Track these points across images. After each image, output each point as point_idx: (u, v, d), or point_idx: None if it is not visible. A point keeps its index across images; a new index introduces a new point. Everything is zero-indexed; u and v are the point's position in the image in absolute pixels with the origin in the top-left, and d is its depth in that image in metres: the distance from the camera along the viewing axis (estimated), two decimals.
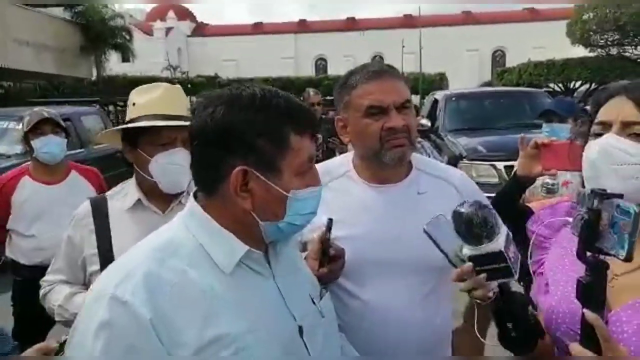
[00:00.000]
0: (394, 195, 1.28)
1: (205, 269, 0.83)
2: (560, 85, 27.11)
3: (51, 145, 2.47)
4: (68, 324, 1.48)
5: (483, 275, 0.90)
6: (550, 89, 23.20)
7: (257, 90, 0.84)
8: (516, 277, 0.90)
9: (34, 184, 2.52)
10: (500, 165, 5.31)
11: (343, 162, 1.36)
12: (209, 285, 0.81)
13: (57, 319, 1.54)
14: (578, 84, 26.80)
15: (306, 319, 0.91)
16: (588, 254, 0.82)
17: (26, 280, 2.47)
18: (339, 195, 1.27)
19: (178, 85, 1.55)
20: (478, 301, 0.95)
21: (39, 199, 2.50)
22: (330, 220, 1.11)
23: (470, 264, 0.90)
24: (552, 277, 0.97)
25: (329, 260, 1.11)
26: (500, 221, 0.90)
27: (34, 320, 2.25)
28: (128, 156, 1.49)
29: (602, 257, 0.82)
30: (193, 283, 0.80)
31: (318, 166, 1.43)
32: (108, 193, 1.55)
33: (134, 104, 1.48)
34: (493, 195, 1.63)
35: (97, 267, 1.42)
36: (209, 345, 0.77)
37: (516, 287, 1.05)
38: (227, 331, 0.79)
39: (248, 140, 0.81)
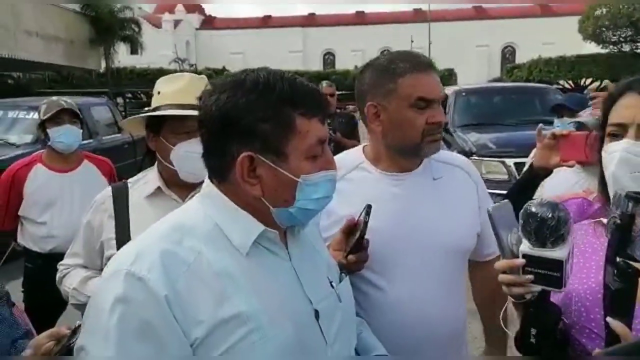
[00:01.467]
0: (412, 183, 1.27)
1: (221, 249, 0.83)
2: (571, 82, 26.87)
3: (68, 135, 2.48)
4: (81, 308, 1.50)
5: (530, 276, 0.87)
6: (561, 86, 23.00)
7: (261, 75, 0.83)
8: (563, 290, 0.87)
9: (47, 172, 2.53)
10: (510, 161, 5.26)
11: (354, 154, 1.35)
12: (224, 264, 0.81)
13: (71, 302, 1.56)
14: (589, 81, 26.53)
15: (323, 302, 0.90)
16: (618, 259, 0.79)
17: (37, 268, 2.49)
18: (355, 187, 1.26)
19: (203, 76, 1.56)
20: (513, 299, 0.93)
21: (51, 187, 2.51)
22: (370, 206, 1.09)
23: (523, 260, 0.86)
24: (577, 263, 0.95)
25: (358, 249, 1.09)
26: (570, 228, 0.86)
27: (45, 307, 2.28)
28: (150, 144, 1.51)
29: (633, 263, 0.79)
30: (209, 262, 0.80)
31: None
32: (130, 180, 1.56)
33: (159, 93, 1.49)
34: (503, 192, 1.61)
35: (114, 251, 1.43)
36: (223, 324, 0.77)
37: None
38: (241, 310, 0.79)
39: (252, 125, 0.81)
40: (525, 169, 1.68)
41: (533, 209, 0.85)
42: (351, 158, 1.33)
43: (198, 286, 0.78)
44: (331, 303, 0.92)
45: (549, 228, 0.83)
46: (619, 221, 0.79)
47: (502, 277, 0.90)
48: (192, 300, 0.76)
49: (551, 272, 0.84)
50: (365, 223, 1.07)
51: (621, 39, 25.68)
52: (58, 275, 1.61)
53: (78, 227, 1.61)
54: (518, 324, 0.97)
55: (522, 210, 0.88)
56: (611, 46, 26.30)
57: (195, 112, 1.39)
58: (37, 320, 2.08)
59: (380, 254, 1.18)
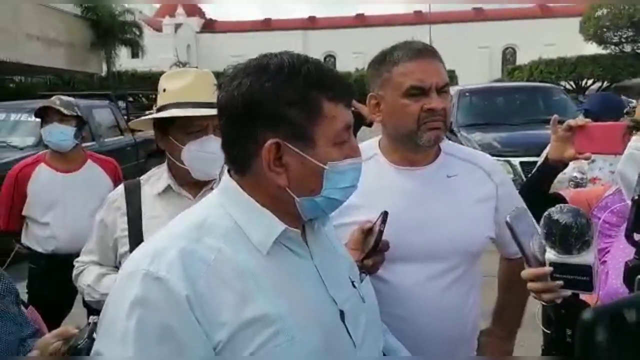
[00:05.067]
0: (423, 178, 1.24)
1: (242, 248, 0.79)
2: (572, 83, 26.85)
3: (55, 134, 2.43)
4: (96, 304, 1.51)
5: (559, 282, 0.87)
6: (562, 87, 22.98)
7: (285, 58, 0.79)
8: (594, 292, 0.88)
9: (50, 172, 2.51)
10: (516, 161, 5.24)
11: (370, 145, 1.33)
12: (246, 264, 0.77)
13: (86, 299, 1.56)
14: (590, 82, 26.51)
15: (347, 303, 0.86)
16: (637, 236, 0.78)
17: (40, 268, 2.47)
18: (366, 179, 1.24)
19: (208, 70, 1.53)
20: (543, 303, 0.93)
21: (54, 187, 2.48)
22: (386, 213, 1.07)
23: (550, 269, 0.87)
24: (613, 266, 0.93)
25: (376, 253, 1.08)
26: (594, 232, 0.87)
27: (49, 308, 2.24)
28: (160, 144, 1.49)
29: None
30: (230, 262, 0.76)
31: None
32: (142, 177, 1.55)
33: (164, 90, 1.46)
34: None
35: (127, 248, 1.43)
36: (248, 326, 0.74)
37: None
38: (266, 312, 0.75)
39: (278, 111, 0.77)
40: (539, 162, 1.64)
41: (555, 217, 0.85)
42: (366, 149, 1.30)
43: (220, 286, 0.74)
44: (355, 303, 0.89)
45: (574, 235, 0.84)
46: (637, 197, 0.77)
47: (531, 285, 0.90)
48: (214, 301, 0.73)
49: (580, 277, 0.85)
50: (381, 231, 1.06)
51: (622, 39, 25.69)
52: (74, 272, 1.61)
53: (80, 227, 1.60)
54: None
55: (544, 219, 0.87)
56: (612, 47, 26.30)
57: (205, 111, 1.38)
58: (42, 320, 2.04)
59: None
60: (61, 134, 2.44)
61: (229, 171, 0.85)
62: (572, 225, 0.83)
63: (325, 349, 0.79)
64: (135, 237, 1.39)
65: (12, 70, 17.16)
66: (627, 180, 0.91)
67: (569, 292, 0.88)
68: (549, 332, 0.96)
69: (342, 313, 0.84)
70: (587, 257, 0.84)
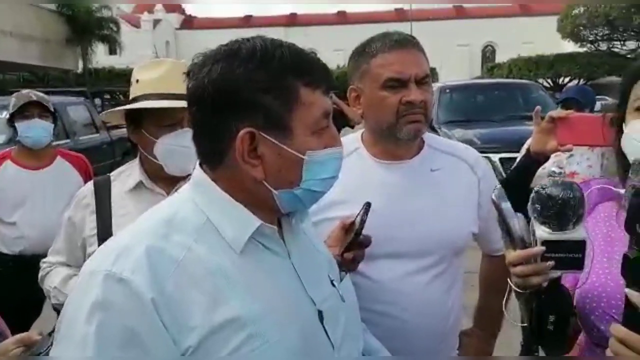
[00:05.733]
0: (406, 172, 1.22)
1: (214, 246, 0.73)
2: (550, 80, 27.33)
3: (36, 129, 2.35)
4: (62, 308, 1.43)
5: (551, 262, 0.82)
6: (540, 84, 23.37)
7: (258, 42, 0.74)
8: (582, 271, 0.84)
9: (17, 169, 2.40)
10: (495, 157, 5.27)
11: (353, 139, 1.29)
12: (217, 263, 0.72)
13: (52, 302, 1.49)
14: (567, 79, 27.04)
15: (326, 303, 0.82)
16: (638, 227, 0.74)
17: (7, 270, 2.37)
18: (348, 173, 1.21)
19: (184, 61, 1.46)
20: (519, 290, 0.88)
21: (22, 185, 2.38)
22: (369, 204, 1.04)
23: (543, 248, 0.82)
24: (588, 255, 0.90)
25: (357, 246, 1.04)
26: (586, 206, 0.83)
27: (17, 312, 2.14)
28: (132, 137, 1.42)
29: None
30: (200, 260, 0.71)
31: None
32: (112, 173, 1.49)
33: (137, 81, 1.40)
34: None
35: (96, 247, 1.36)
36: (219, 330, 0.68)
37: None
38: (239, 314, 0.70)
39: (251, 98, 0.71)
40: (520, 154, 1.63)
41: (551, 192, 0.81)
42: (348, 142, 1.27)
43: (189, 287, 0.68)
44: (334, 303, 0.84)
45: (572, 209, 0.80)
46: (638, 186, 0.76)
47: (519, 269, 0.85)
48: (183, 303, 0.67)
49: (572, 254, 0.82)
50: (363, 221, 1.02)
51: (598, 37, 26.21)
52: (40, 273, 1.54)
53: (50, 226, 1.53)
54: (519, 315, 0.93)
55: (536, 195, 0.84)
56: (589, 45, 26.82)
57: (178, 103, 1.32)
58: (9, 324, 1.96)
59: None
60: (42, 130, 2.36)
61: (200, 164, 0.80)
62: (569, 197, 0.81)
63: (303, 351, 0.74)
64: (105, 236, 1.32)
65: None
66: (623, 161, 0.88)
67: (558, 273, 0.85)
68: (526, 324, 0.92)
69: (320, 313, 0.80)
70: (582, 232, 0.82)
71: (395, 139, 1.18)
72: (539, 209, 0.82)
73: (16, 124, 2.33)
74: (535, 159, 1.45)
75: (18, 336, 1.00)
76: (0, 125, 5.28)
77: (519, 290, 0.89)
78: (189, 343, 0.67)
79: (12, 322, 2.21)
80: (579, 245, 0.82)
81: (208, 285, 0.70)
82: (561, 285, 0.89)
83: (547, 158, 1.47)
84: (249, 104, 0.72)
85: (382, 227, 1.13)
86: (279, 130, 0.73)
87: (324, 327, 0.79)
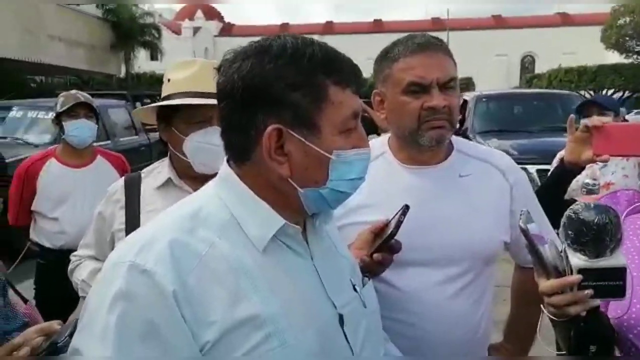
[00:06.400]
0: (433, 177, 1.19)
1: (237, 243, 0.74)
2: (592, 92, 26.40)
3: (83, 129, 2.45)
4: None
5: (590, 291, 0.78)
6: (580, 95, 22.64)
7: (289, 40, 0.74)
8: (625, 298, 0.80)
9: (60, 167, 2.50)
10: (533, 168, 5.12)
11: (380, 143, 1.27)
12: (240, 260, 0.72)
13: (80, 294, 1.53)
14: (610, 91, 26.07)
15: (347, 307, 0.81)
16: None
17: (49, 264, 2.46)
18: (374, 177, 1.20)
19: (215, 61, 1.49)
20: (554, 318, 0.84)
21: (64, 182, 2.47)
22: (407, 206, 1.01)
23: (580, 276, 0.78)
24: (628, 279, 0.86)
25: (387, 249, 1.01)
26: (623, 232, 0.78)
27: (55, 303, 2.23)
28: (163, 135, 1.45)
29: None
30: (223, 256, 0.72)
31: None
32: (144, 171, 1.52)
33: (169, 80, 1.43)
34: None
35: None
36: (238, 326, 0.69)
37: None
38: (258, 312, 0.70)
39: (280, 95, 0.71)
40: (554, 164, 1.57)
41: (585, 216, 0.76)
42: (375, 147, 1.25)
43: (211, 282, 0.69)
44: (356, 308, 0.83)
45: (609, 234, 0.76)
46: None
47: (555, 299, 0.81)
48: (203, 298, 0.68)
49: (612, 282, 0.77)
50: (400, 222, 0.98)
51: None
52: (70, 266, 1.58)
53: (89, 224, 1.57)
54: (554, 339, 0.88)
55: (568, 220, 0.79)
56: (635, 56, 25.82)
57: (209, 100, 1.33)
58: (48, 317, 2.05)
59: None
60: (88, 130, 2.46)
61: (228, 160, 0.81)
62: (606, 223, 0.76)
63: (320, 354, 0.74)
64: (133, 231, 1.37)
65: (33, 71, 17.47)
66: None
67: (598, 302, 0.80)
68: (563, 353, 0.87)
69: (340, 317, 0.79)
70: (620, 259, 0.77)
71: (418, 145, 1.16)
72: (572, 235, 0.78)
73: (63, 123, 2.44)
74: (569, 170, 1.40)
75: (39, 326, 1.02)
76: (47, 125, 5.56)
77: (554, 318, 0.85)
78: (207, 338, 0.67)
79: (52, 313, 2.30)
80: (619, 272, 0.77)
81: (229, 282, 0.70)
82: (601, 312, 0.84)
83: (582, 169, 1.41)
84: (278, 101, 0.71)
85: (407, 233, 1.11)
86: (307, 128, 0.73)
87: (343, 331, 0.78)
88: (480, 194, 1.19)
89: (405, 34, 1.21)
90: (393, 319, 1.12)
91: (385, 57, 1.18)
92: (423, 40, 1.14)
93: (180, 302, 0.66)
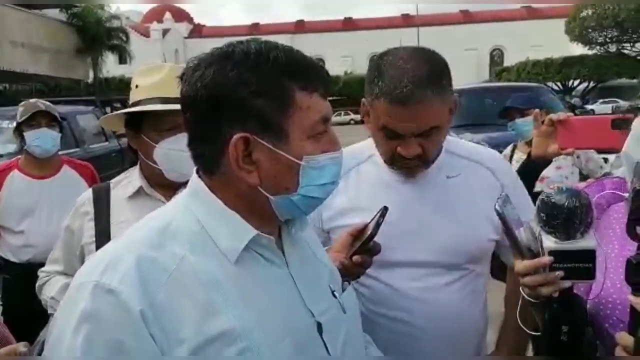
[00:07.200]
0: (421, 179, 1.17)
1: (208, 256, 0.71)
2: (559, 83, 27.13)
3: (45, 139, 2.35)
4: None
5: (560, 272, 0.80)
6: (549, 88, 23.22)
7: (252, 45, 0.71)
8: (594, 281, 0.81)
9: (24, 178, 2.40)
10: None
11: (367, 146, 1.25)
12: (211, 273, 0.70)
13: (49, 311, 1.47)
14: (576, 82, 26.84)
15: (326, 314, 0.79)
16: (638, 229, 0.72)
17: (15, 279, 2.36)
18: (364, 179, 1.20)
19: (183, 65, 1.45)
20: (530, 299, 0.85)
21: (29, 194, 2.38)
22: (386, 208, 1.00)
23: (551, 258, 0.80)
24: (599, 262, 0.87)
25: (367, 252, 1.01)
26: (594, 213, 0.80)
27: (24, 320, 2.14)
28: (132, 143, 1.40)
29: None
30: (194, 270, 0.69)
31: None
32: (112, 181, 1.47)
33: (136, 86, 1.38)
34: None
35: None
36: (210, 343, 0.66)
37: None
38: (231, 326, 0.68)
39: (245, 102, 0.69)
40: (524, 160, 1.59)
41: (557, 200, 0.78)
42: (365, 149, 1.24)
43: (180, 298, 0.66)
44: (335, 315, 0.81)
45: (579, 217, 0.77)
46: (638, 187, 0.73)
47: (528, 280, 0.83)
48: (173, 314, 0.65)
49: (582, 264, 0.79)
50: (379, 224, 0.98)
51: (607, 39, 26.01)
52: (38, 283, 1.52)
53: (57, 235, 1.52)
54: (532, 324, 0.91)
55: (541, 203, 0.81)
56: (598, 47, 26.63)
57: (178, 106, 1.31)
58: (15, 333, 1.96)
59: (383, 248, 1.09)
60: (50, 139, 2.36)
61: (197, 171, 0.78)
62: (576, 206, 0.77)
63: None
64: (103, 244, 1.31)
65: None
66: (632, 161, 0.85)
67: (569, 283, 0.82)
68: (538, 333, 0.89)
69: (319, 325, 0.77)
70: (590, 241, 0.78)
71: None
72: (544, 218, 0.79)
73: (24, 133, 2.34)
74: (537, 163, 1.42)
75: (5, 349, 0.99)
76: (10, 134, 5.38)
77: (530, 299, 0.86)
78: (178, 355, 0.65)
79: (20, 329, 2.22)
80: (589, 255, 0.79)
81: (200, 297, 0.67)
82: (574, 294, 0.86)
83: (548, 162, 1.44)
84: (242, 108, 0.69)
85: (396, 234, 1.11)
86: (274, 134, 0.70)
87: (322, 339, 0.77)
88: (468, 194, 1.18)
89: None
90: (382, 314, 1.13)
91: (373, 80, 1.09)
92: (407, 90, 1.02)
93: (148, 321, 0.64)
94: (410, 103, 1.03)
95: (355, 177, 1.20)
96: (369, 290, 1.16)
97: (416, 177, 1.17)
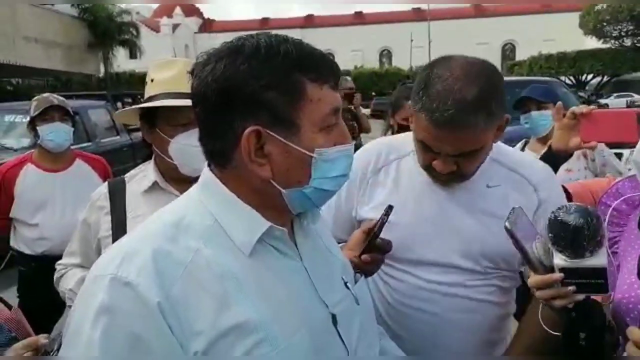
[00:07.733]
0: (458, 185, 1.14)
1: (222, 248, 0.72)
2: (572, 78, 26.81)
3: (58, 133, 2.38)
4: None
5: (572, 287, 0.81)
6: (562, 82, 22.95)
7: (263, 38, 0.72)
8: (610, 293, 0.83)
9: (38, 172, 2.43)
10: None
11: (409, 140, 1.20)
12: (226, 265, 0.70)
13: (68, 303, 1.50)
14: (590, 76, 26.48)
15: (339, 306, 0.79)
16: None
17: (30, 271, 2.40)
18: (402, 176, 1.19)
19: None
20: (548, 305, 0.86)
21: (42, 187, 2.41)
22: (391, 207, 0.99)
23: (561, 275, 0.80)
24: (624, 258, 0.86)
25: (376, 249, 1.01)
26: (605, 231, 0.80)
27: (40, 311, 2.18)
28: (147, 137, 1.41)
29: None
30: (209, 263, 0.69)
31: (380, 142, 1.31)
32: (127, 175, 1.48)
33: (152, 80, 1.39)
34: None
35: None
36: (227, 335, 0.66)
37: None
38: (247, 318, 0.68)
39: (256, 95, 0.69)
40: (544, 152, 1.57)
41: (563, 219, 0.79)
42: (407, 143, 1.20)
43: (196, 290, 0.67)
44: (349, 306, 0.82)
45: (585, 237, 0.77)
46: None
47: (540, 293, 0.84)
48: (189, 307, 0.66)
49: (594, 280, 0.80)
50: (382, 223, 0.98)
51: (622, 33, 25.61)
52: (55, 275, 1.54)
53: (71, 228, 1.54)
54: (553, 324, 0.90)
55: (550, 222, 0.81)
56: (612, 41, 26.25)
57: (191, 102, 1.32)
58: (32, 324, 2.00)
59: (408, 247, 1.12)
60: (64, 133, 2.39)
61: (209, 165, 0.78)
62: (583, 226, 0.77)
63: (316, 356, 0.72)
64: (120, 237, 1.34)
65: (9, 73, 17.15)
66: None
67: (582, 296, 0.82)
68: (558, 334, 0.88)
69: (333, 317, 0.77)
70: (600, 259, 0.78)
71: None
72: (552, 237, 0.80)
73: (38, 128, 2.37)
74: (557, 156, 1.40)
75: (26, 341, 1.00)
76: (24, 129, 5.44)
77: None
78: (196, 347, 0.65)
79: (36, 321, 2.25)
80: (599, 272, 0.79)
81: (216, 289, 0.68)
82: (592, 300, 0.85)
83: (569, 155, 1.41)
84: (254, 101, 0.69)
85: (429, 234, 1.12)
86: (286, 127, 0.71)
87: (337, 330, 0.77)
88: (504, 207, 1.09)
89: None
90: (407, 306, 1.15)
91: (420, 90, 1.03)
92: (448, 115, 0.96)
93: (166, 313, 0.64)
94: (449, 127, 0.98)
95: (395, 171, 1.19)
96: (400, 283, 1.17)
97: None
